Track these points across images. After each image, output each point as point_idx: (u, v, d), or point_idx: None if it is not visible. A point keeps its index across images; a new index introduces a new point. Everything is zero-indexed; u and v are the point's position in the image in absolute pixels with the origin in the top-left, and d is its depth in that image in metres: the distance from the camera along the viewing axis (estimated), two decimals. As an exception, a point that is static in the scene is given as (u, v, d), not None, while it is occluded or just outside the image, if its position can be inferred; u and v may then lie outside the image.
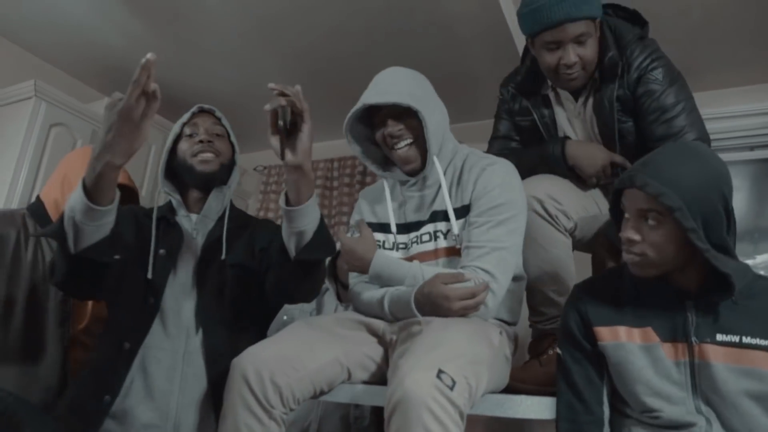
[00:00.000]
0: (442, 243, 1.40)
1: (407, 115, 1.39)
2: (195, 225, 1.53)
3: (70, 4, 2.66)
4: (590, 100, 1.64)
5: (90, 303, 1.69)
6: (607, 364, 1.18)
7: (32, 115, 2.70)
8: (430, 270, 1.31)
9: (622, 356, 1.14)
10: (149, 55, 0.97)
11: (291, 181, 1.19)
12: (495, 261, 1.28)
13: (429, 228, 1.42)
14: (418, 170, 1.44)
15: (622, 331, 1.15)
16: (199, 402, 1.32)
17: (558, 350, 1.25)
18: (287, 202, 1.23)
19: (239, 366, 1.14)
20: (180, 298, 1.41)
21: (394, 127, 1.40)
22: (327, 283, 2.45)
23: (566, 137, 1.69)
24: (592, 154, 1.59)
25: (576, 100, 1.67)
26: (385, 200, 1.51)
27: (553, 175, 1.62)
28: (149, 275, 1.40)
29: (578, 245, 1.66)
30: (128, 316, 1.39)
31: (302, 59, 3.00)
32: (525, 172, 1.54)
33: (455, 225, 1.37)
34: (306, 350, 1.21)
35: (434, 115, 1.40)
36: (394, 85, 1.40)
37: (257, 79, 3.20)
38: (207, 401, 1.32)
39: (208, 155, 1.51)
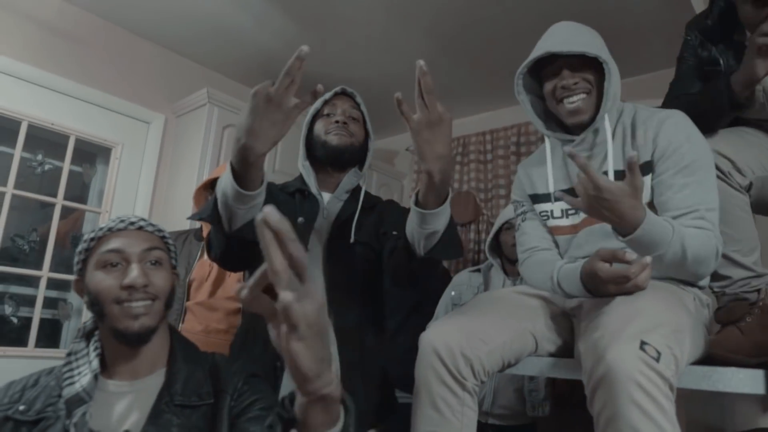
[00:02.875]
0: None
1: (585, 68, 1.32)
2: (326, 204, 1.54)
3: (231, 15, 2.90)
4: None
5: (208, 285, 1.98)
6: None
7: (208, 120, 3.03)
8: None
9: None
10: (304, 47, 0.99)
11: (425, 185, 1.15)
12: (713, 221, 1.21)
13: None
14: (585, 125, 1.35)
15: None
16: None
17: None
18: (419, 203, 1.18)
19: (429, 341, 1.17)
20: (312, 273, 1.42)
21: (569, 79, 1.32)
22: (491, 259, 2.48)
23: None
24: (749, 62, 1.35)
25: None
26: (546, 167, 1.43)
27: (730, 129, 1.46)
28: None
29: (758, 208, 1.48)
30: None
31: (445, 36, 2.98)
32: (693, 116, 1.38)
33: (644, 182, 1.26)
34: (492, 323, 1.21)
35: (615, 69, 1.32)
36: (576, 36, 1.33)
37: (402, 62, 3.23)
38: (354, 371, 1.35)
39: (342, 134, 1.53)
